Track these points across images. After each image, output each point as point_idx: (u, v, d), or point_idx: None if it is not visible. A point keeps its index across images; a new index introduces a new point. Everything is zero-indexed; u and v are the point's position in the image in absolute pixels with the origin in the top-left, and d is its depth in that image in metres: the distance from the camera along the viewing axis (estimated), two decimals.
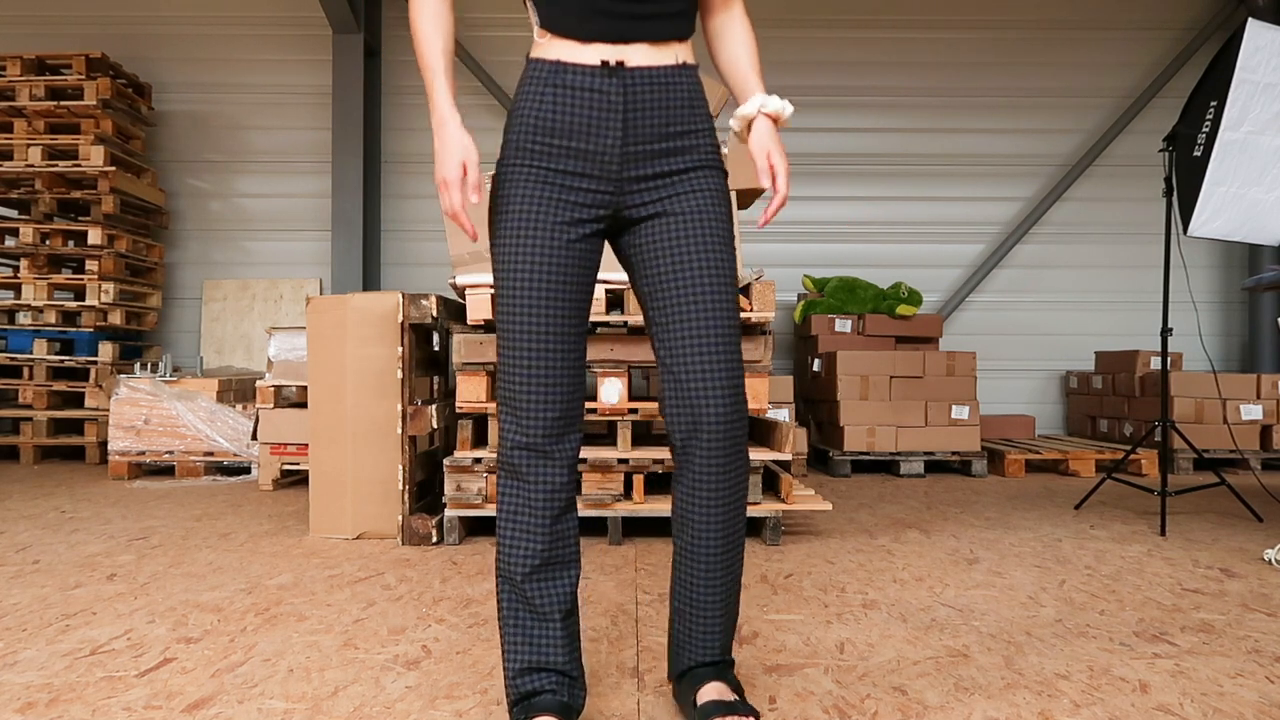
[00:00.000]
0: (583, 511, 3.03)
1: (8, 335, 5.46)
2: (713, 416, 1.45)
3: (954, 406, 5.09)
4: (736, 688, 1.56)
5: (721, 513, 1.51)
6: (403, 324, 3.08)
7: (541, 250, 1.41)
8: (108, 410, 5.18)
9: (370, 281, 6.26)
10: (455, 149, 1.40)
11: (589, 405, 3.09)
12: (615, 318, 3.12)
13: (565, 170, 1.42)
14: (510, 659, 1.48)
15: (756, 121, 1.53)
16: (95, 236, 5.41)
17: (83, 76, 5.48)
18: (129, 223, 5.81)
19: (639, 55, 1.43)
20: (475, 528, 3.32)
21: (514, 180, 1.43)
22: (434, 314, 3.11)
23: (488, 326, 3.22)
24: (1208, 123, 3.27)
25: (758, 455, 3.05)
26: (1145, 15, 6.45)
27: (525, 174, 1.43)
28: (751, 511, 3.05)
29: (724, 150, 3.28)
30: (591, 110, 1.41)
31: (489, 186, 1.57)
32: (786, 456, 3.06)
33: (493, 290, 3.06)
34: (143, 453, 4.76)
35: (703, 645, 1.57)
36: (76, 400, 5.58)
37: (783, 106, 1.52)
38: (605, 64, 1.41)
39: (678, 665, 1.60)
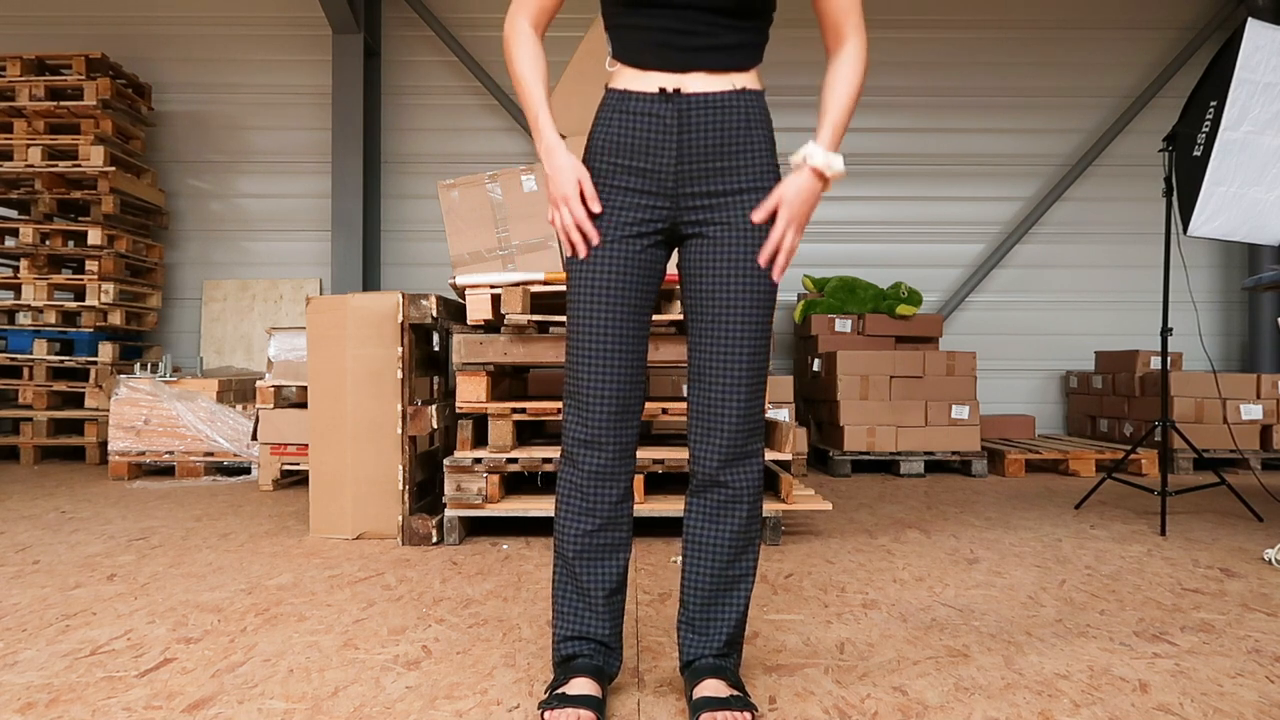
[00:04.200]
0: None
1: (8, 335, 5.46)
2: (722, 454, 1.57)
3: (954, 406, 5.09)
4: (735, 684, 1.58)
5: (730, 537, 1.61)
6: (403, 324, 3.08)
7: (606, 260, 1.54)
8: (108, 410, 5.18)
9: (370, 281, 6.26)
10: (569, 170, 1.54)
11: None
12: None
13: (628, 188, 1.54)
14: (557, 625, 1.65)
15: (799, 171, 1.54)
16: (95, 237, 5.41)
17: (83, 77, 5.48)
18: (129, 223, 5.81)
19: (695, 83, 1.52)
20: (475, 528, 3.32)
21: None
22: (434, 314, 3.11)
23: (488, 326, 3.22)
24: (1208, 122, 3.27)
25: None
26: (1145, 15, 6.45)
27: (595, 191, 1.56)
28: None
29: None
30: (650, 132, 1.53)
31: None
32: (786, 456, 3.06)
33: (494, 293, 3.05)
34: (143, 453, 4.76)
35: (703, 640, 1.63)
36: (76, 400, 5.58)
37: (828, 162, 1.52)
38: (663, 90, 1.52)
39: (683, 656, 1.65)
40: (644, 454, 3.10)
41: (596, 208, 1.53)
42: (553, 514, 1.79)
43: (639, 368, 1.59)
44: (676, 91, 1.51)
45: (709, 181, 1.53)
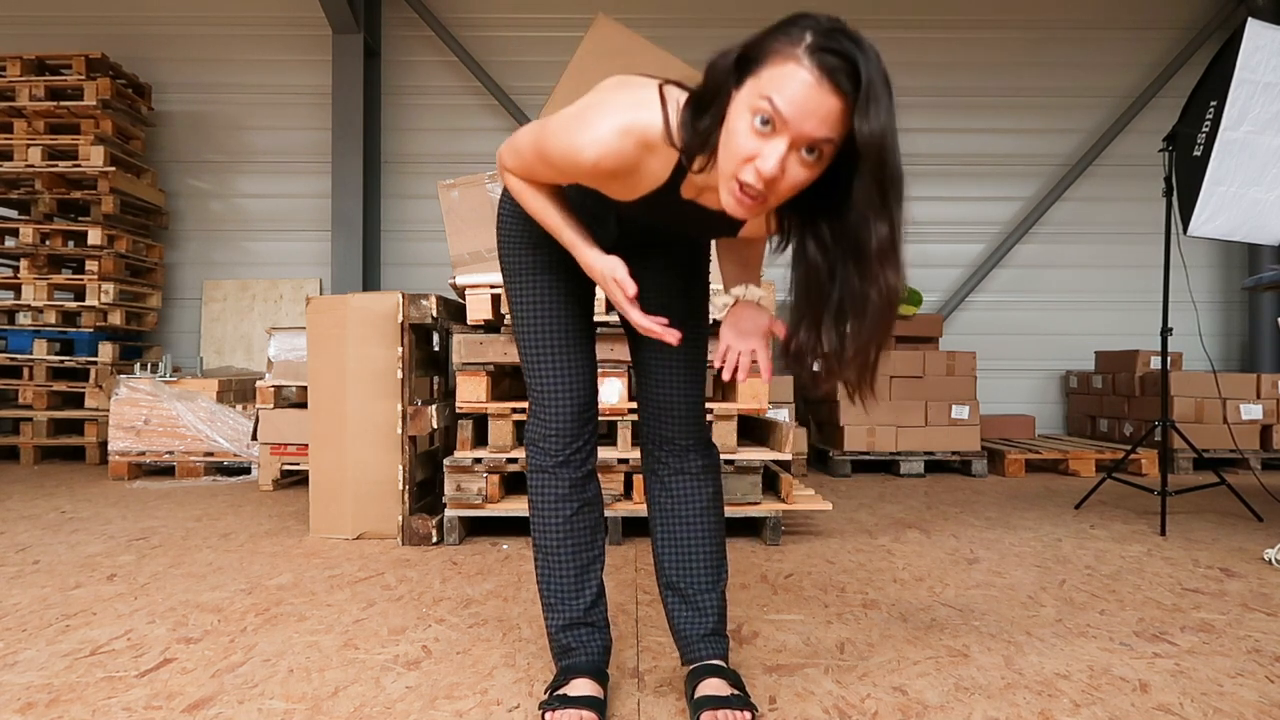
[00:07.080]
0: None
1: (8, 335, 5.45)
2: (673, 438, 1.71)
3: (954, 406, 5.09)
4: (736, 683, 1.60)
5: (700, 509, 1.70)
6: (403, 324, 3.08)
7: (543, 269, 1.61)
8: (108, 410, 5.18)
9: (370, 281, 6.25)
10: (605, 264, 1.43)
11: None
12: (614, 318, 3.12)
13: None
14: (550, 618, 1.68)
15: (735, 306, 1.55)
16: (95, 237, 5.41)
17: (83, 77, 5.48)
18: (129, 223, 5.81)
19: None
20: (475, 528, 3.32)
21: (515, 216, 1.63)
22: (434, 314, 3.11)
23: (488, 326, 3.22)
24: (1207, 122, 3.27)
25: (758, 455, 3.05)
26: (1145, 15, 6.45)
27: (523, 215, 1.62)
28: (751, 511, 3.05)
29: None
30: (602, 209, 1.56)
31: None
32: (786, 456, 3.06)
33: (494, 292, 3.06)
34: (143, 453, 4.75)
35: (700, 616, 1.67)
36: (76, 400, 5.58)
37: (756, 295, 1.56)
38: None
39: (680, 639, 1.69)
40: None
41: (631, 291, 1.42)
42: None
43: (593, 366, 1.69)
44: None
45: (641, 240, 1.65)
